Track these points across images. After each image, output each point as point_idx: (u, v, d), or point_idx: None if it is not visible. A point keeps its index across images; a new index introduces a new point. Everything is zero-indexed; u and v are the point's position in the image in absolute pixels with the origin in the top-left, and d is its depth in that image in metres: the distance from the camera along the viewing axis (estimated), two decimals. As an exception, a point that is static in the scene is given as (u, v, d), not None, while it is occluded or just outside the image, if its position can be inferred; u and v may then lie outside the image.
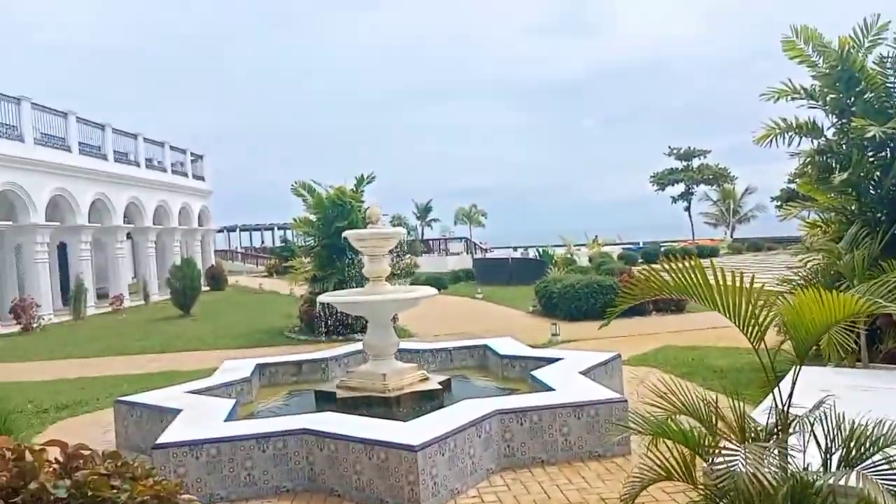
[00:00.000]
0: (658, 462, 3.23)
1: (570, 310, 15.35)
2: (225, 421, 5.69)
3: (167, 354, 13.07)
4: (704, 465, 3.22)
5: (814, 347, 6.78)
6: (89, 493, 2.25)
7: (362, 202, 14.88)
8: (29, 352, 14.24)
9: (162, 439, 5.18)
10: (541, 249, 33.59)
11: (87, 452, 2.52)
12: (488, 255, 36.26)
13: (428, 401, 6.72)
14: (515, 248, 42.19)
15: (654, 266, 3.53)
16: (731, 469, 2.60)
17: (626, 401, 5.73)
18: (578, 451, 5.57)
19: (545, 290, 16.59)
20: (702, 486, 3.15)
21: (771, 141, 8.77)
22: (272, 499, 5.11)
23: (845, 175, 7.67)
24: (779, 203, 38.64)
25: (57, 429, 7.60)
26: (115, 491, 2.32)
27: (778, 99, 8.67)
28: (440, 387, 6.91)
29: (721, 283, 3.14)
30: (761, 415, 3.71)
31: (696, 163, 30.13)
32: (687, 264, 3.23)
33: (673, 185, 30.10)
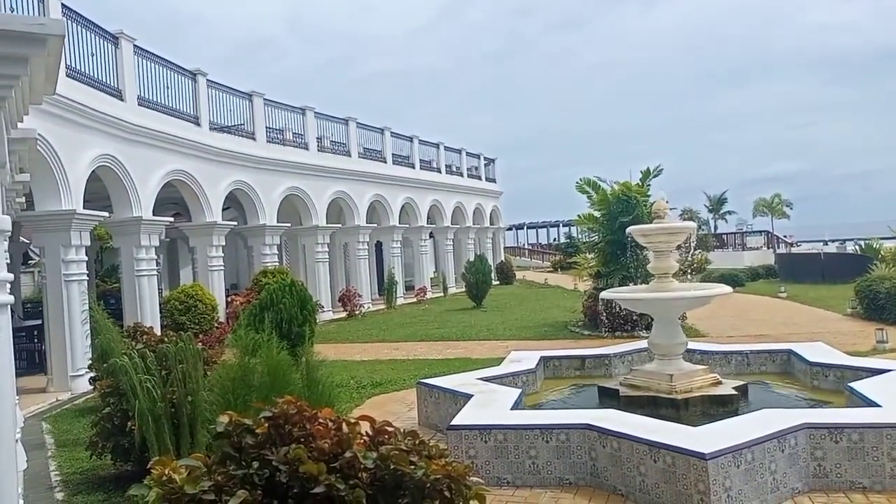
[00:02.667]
0: None
1: (902, 314, 12.93)
2: (511, 409, 5.97)
3: (462, 342, 14.16)
4: None
5: None
6: (391, 466, 2.54)
7: (648, 196, 14.35)
8: (352, 334, 16.61)
9: (456, 421, 5.63)
10: (862, 243, 28.82)
11: (390, 429, 2.86)
12: (794, 250, 32.25)
13: (720, 406, 6.23)
14: (827, 242, 36.91)
15: None
16: None
17: (983, 427, 4.63)
18: (915, 481, 4.66)
19: (869, 289, 14.21)
20: None
21: None
22: (555, 489, 5.21)
23: None
24: None
25: (371, 403, 8.73)
26: (412, 466, 2.59)
27: None
28: (735, 392, 6.36)
29: None
30: None
31: None
32: None
33: None
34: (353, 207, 23.40)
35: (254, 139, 18.96)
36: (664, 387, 6.40)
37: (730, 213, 50.40)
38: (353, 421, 2.90)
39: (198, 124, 16.49)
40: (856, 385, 5.78)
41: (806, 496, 4.73)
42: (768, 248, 34.89)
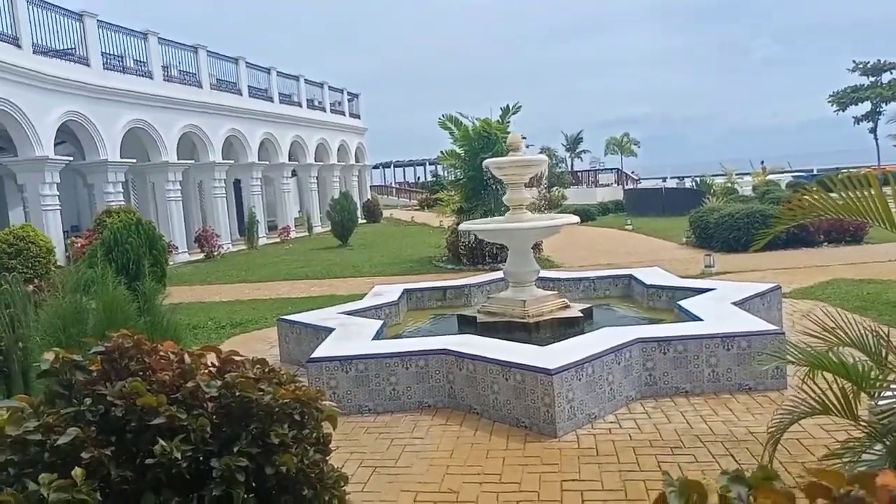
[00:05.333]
0: (814, 396, 2.97)
1: (726, 241, 14.41)
2: (373, 339, 6.04)
3: (326, 280, 14.04)
4: (870, 401, 2.92)
5: None
6: (237, 394, 2.49)
7: (507, 133, 14.68)
8: (211, 276, 15.93)
9: (315, 354, 5.62)
10: (698, 179, 31.56)
11: (238, 358, 2.79)
12: (639, 186, 34.70)
13: (568, 328, 6.67)
14: (665, 179, 39.92)
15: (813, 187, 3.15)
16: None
17: (782, 333, 5.33)
18: (727, 383, 5.30)
19: (700, 220, 15.65)
20: (864, 423, 2.87)
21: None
22: (415, 413, 5.39)
23: None
24: None
25: (231, 343, 8.49)
26: (260, 392, 2.55)
27: None
28: (581, 314, 6.83)
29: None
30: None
31: (885, 78, 26.30)
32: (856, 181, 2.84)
33: (857, 104, 26.50)
34: (206, 143, 22.05)
35: (88, 65, 17.15)
36: (518, 312, 6.74)
37: (585, 151, 53.04)
38: (196, 352, 2.81)
39: (18, 46, 14.63)
40: (683, 303, 6.41)
41: (638, 402, 5.24)
42: (618, 184, 37.26)
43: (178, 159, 20.37)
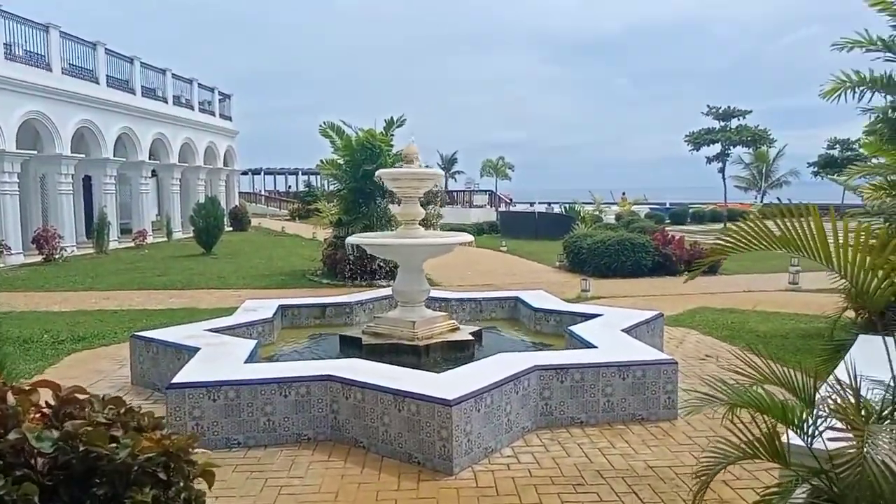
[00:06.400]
0: (740, 437, 2.79)
1: (598, 266, 14.88)
2: (245, 362, 5.37)
3: (188, 291, 12.86)
4: (797, 443, 2.77)
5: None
6: (81, 448, 1.87)
7: (391, 146, 14.34)
8: (50, 282, 14.13)
9: (177, 378, 4.87)
10: (567, 206, 32.91)
11: (83, 397, 2.15)
12: (511, 209, 35.63)
13: (458, 352, 6.36)
14: (533, 204, 41.30)
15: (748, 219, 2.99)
16: (858, 454, 2.14)
17: (676, 362, 5.30)
18: (621, 412, 5.18)
19: (574, 245, 16.08)
20: (795, 467, 2.71)
21: (840, 96, 8.05)
22: (292, 447, 4.80)
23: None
24: (816, 169, 37.36)
25: (72, 360, 7.38)
26: (114, 445, 1.94)
27: (851, 49, 7.89)
28: (471, 338, 6.54)
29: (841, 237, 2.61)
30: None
31: (734, 123, 28.93)
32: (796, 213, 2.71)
33: (709, 145, 28.84)
34: (53, 132, 19.79)
35: None
36: (407, 333, 6.32)
37: (459, 172, 53.93)
38: (27, 388, 2.13)
39: None
40: (575, 329, 6.28)
41: (534, 434, 4.98)
42: (491, 206, 38.06)
43: (18, 149, 18.07)
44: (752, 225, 2.84)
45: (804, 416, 2.75)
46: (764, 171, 43.26)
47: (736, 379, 3.33)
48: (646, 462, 4.50)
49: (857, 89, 8.03)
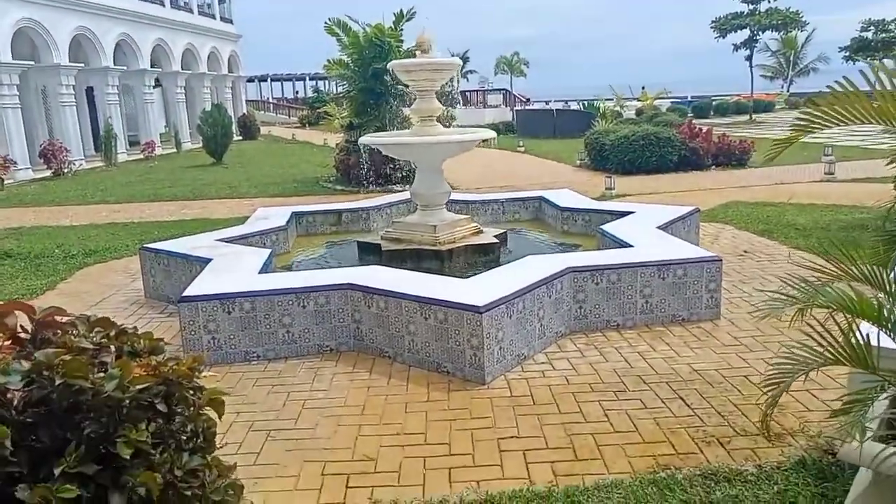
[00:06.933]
0: (821, 342, 2.43)
1: (622, 163, 14.29)
2: (260, 272, 5.08)
3: (199, 201, 12.55)
4: (888, 345, 2.42)
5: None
6: (57, 381, 1.54)
7: (402, 42, 13.49)
8: (60, 196, 13.87)
9: (189, 291, 4.59)
10: (585, 103, 31.68)
11: (64, 319, 1.82)
12: (529, 108, 34.45)
13: (482, 255, 6.03)
14: (547, 102, 39.85)
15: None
16: None
17: (720, 259, 4.93)
18: (660, 314, 4.87)
19: (596, 141, 15.42)
20: (886, 372, 2.37)
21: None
22: (314, 358, 4.57)
23: None
24: (848, 54, 35.44)
25: (84, 275, 7.17)
26: (101, 375, 1.62)
27: None
28: (496, 240, 6.18)
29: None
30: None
31: (763, 7, 27.11)
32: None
33: (736, 31, 27.17)
34: (48, 40, 18.97)
35: None
36: (428, 238, 5.97)
37: (472, 72, 51.92)
38: (-5, 311, 1.80)
39: None
40: (608, 227, 5.89)
41: (568, 339, 4.70)
42: (506, 105, 36.78)
43: (14, 59, 17.38)
44: (843, 94, 2.34)
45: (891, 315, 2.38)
46: (792, 58, 41.23)
47: (803, 277, 2.95)
48: (690, 365, 4.22)
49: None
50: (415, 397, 3.96)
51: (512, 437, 3.47)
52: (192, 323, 4.47)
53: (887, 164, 8.51)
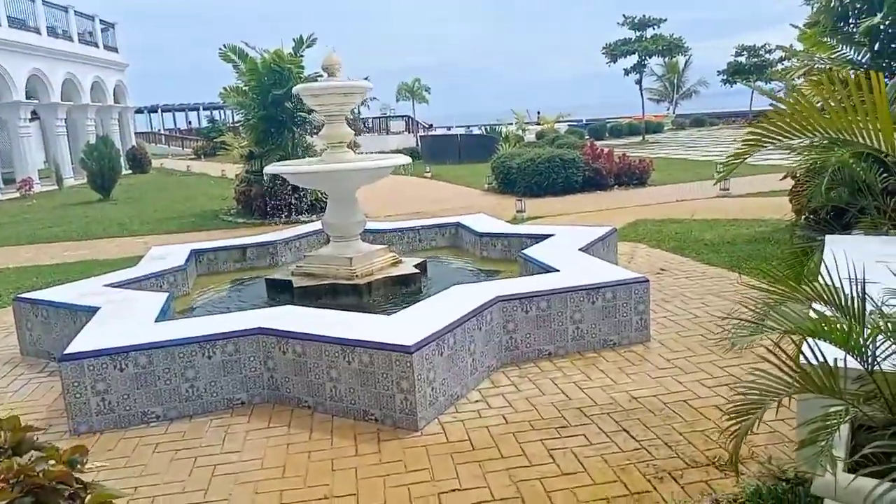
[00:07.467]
0: (790, 371, 2.28)
1: (529, 186, 14.41)
2: (157, 321, 4.53)
3: (84, 242, 11.52)
4: (853, 366, 2.30)
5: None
6: None
7: (302, 68, 13.09)
8: (-80, 243, 12.36)
9: (72, 347, 3.99)
10: (487, 127, 32.16)
11: None
12: (432, 134, 34.63)
13: (403, 287, 5.72)
14: (449, 128, 40.26)
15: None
16: None
17: (647, 280, 4.84)
18: (591, 340, 4.72)
19: (503, 165, 15.51)
20: (850, 396, 2.24)
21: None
22: (223, 414, 4.08)
23: (877, 18, 6.65)
24: (725, 77, 38.04)
25: (-53, 333, 6.25)
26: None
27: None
28: (416, 271, 5.89)
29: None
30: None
31: (649, 33, 28.64)
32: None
33: (626, 56, 28.58)
34: None
35: None
36: (343, 272, 5.59)
37: (373, 98, 51.83)
38: None
39: None
40: (530, 252, 5.73)
41: (500, 372, 4.45)
42: (409, 132, 36.81)
43: None
44: (796, 105, 2.23)
45: (859, 338, 2.26)
46: (675, 81, 43.83)
47: (753, 298, 2.84)
48: (628, 393, 4.05)
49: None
50: (341, 452, 3.56)
51: (454, 489, 3.15)
52: (76, 384, 3.88)
53: (781, 179, 8.97)
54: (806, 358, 2.32)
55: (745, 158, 2.44)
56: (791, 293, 2.62)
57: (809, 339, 2.34)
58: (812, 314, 2.33)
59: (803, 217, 7.73)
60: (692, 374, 4.26)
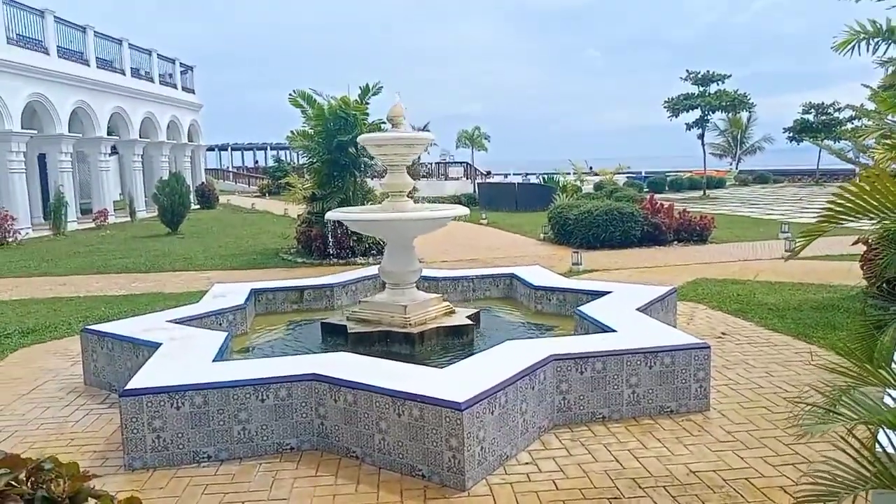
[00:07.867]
0: (865, 462, 2.14)
1: (586, 237, 14.27)
2: (215, 359, 4.63)
3: (152, 274, 11.96)
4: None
5: None
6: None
7: (367, 115, 13.47)
8: (2, 268, 13.08)
9: (133, 384, 4.11)
10: (544, 176, 32.21)
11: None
12: (490, 181, 34.89)
13: (456, 338, 5.69)
14: (506, 175, 40.48)
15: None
16: None
17: (708, 346, 4.68)
18: (647, 405, 4.56)
19: (560, 216, 15.44)
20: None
21: (853, 48, 7.45)
22: (272, 459, 4.10)
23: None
24: (792, 134, 37.22)
25: (19, 357, 6.55)
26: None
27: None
28: (470, 322, 5.86)
29: None
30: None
31: (713, 88, 28.43)
32: None
33: (688, 111, 28.34)
34: (1, 109, 18.45)
35: None
36: (398, 319, 5.62)
37: (432, 144, 52.82)
38: None
39: None
40: (585, 309, 5.63)
41: (552, 434, 4.34)
42: (467, 178, 37.23)
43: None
44: (872, 184, 2.15)
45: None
46: (738, 137, 43.12)
47: (824, 380, 2.70)
48: (686, 465, 3.88)
49: (871, 41, 7.44)
50: (387, 507, 3.52)
51: (500, 557, 3.06)
52: (134, 420, 3.98)
53: (853, 244, 8.61)
54: (883, 448, 2.19)
55: (823, 233, 2.36)
56: (866, 377, 2.48)
57: (887, 430, 2.21)
58: (889, 401, 2.19)
59: (876, 286, 7.38)
60: (755, 450, 4.06)
